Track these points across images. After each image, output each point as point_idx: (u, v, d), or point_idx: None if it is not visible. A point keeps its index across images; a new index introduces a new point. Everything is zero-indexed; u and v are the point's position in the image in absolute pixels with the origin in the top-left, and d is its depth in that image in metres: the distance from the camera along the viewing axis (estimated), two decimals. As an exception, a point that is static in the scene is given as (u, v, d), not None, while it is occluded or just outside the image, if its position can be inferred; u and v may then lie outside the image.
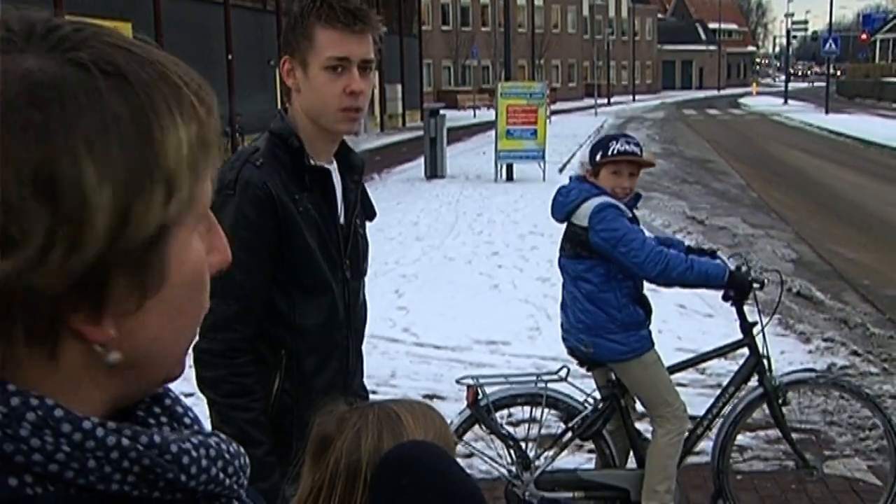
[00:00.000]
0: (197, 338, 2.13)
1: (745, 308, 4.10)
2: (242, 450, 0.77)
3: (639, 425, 4.27)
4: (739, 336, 4.16)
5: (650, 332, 3.98)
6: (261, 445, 2.15)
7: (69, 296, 0.63)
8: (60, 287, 0.61)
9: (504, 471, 4.06)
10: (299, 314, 2.26)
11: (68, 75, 0.61)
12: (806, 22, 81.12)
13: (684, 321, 7.58)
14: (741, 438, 5.00)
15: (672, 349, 5.60)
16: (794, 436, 4.34)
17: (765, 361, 4.11)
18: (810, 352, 6.98)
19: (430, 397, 5.87)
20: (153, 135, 0.64)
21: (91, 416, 0.66)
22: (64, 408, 0.65)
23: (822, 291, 9.10)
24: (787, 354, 6.66)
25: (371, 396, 6.06)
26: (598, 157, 3.88)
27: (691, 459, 4.42)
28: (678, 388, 4.11)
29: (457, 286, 9.10)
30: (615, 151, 3.87)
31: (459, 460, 1.61)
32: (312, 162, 2.26)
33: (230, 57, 22.39)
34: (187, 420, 0.78)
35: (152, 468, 0.67)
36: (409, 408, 1.50)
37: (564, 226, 4.02)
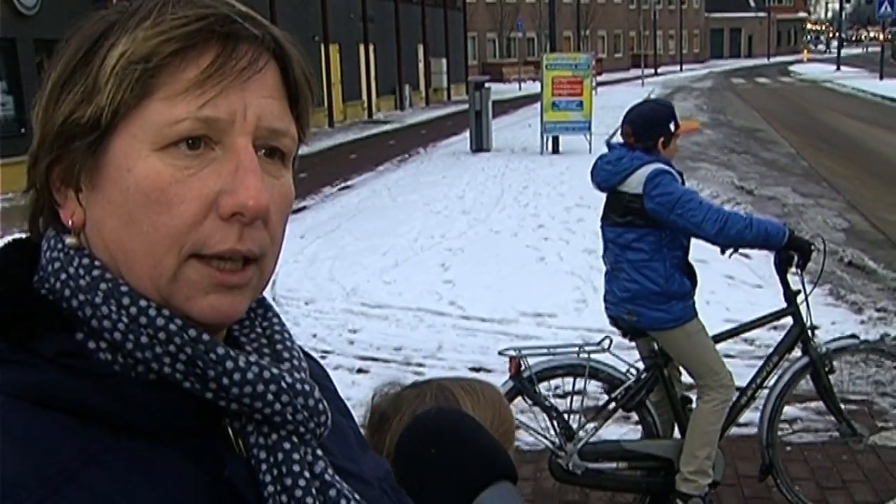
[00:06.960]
0: None
1: (790, 277, 4.04)
2: (318, 394, 0.80)
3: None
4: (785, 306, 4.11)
5: (694, 303, 3.96)
6: None
7: (51, 148, 0.77)
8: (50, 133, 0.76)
9: (548, 442, 4.07)
10: None
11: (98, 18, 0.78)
12: (860, -15, 79.06)
13: (733, 292, 7.50)
14: (791, 410, 4.95)
15: (720, 320, 5.55)
16: (845, 406, 4.28)
17: (809, 331, 4.06)
18: (862, 322, 6.86)
19: (477, 370, 5.89)
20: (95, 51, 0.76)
21: (150, 298, 0.74)
22: (129, 284, 0.74)
23: (874, 261, 8.94)
24: (838, 325, 6.56)
25: (419, 369, 6.06)
26: (672, 128, 3.89)
27: (739, 431, 4.38)
28: (727, 360, 4.09)
29: (503, 259, 9.10)
30: (679, 121, 3.95)
31: None
32: None
33: (275, 34, 22.45)
34: (287, 353, 0.83)
35: (194, 359, 0.73)
36: (469, 387, 1.48)
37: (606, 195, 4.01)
